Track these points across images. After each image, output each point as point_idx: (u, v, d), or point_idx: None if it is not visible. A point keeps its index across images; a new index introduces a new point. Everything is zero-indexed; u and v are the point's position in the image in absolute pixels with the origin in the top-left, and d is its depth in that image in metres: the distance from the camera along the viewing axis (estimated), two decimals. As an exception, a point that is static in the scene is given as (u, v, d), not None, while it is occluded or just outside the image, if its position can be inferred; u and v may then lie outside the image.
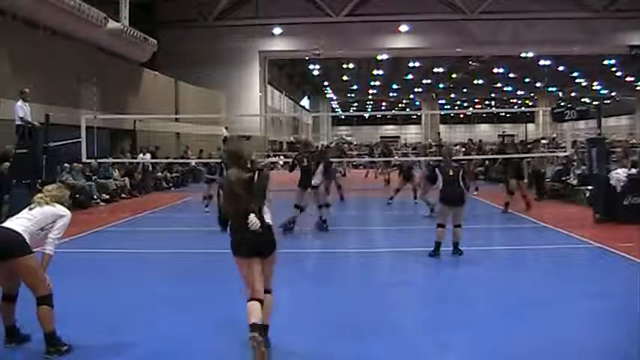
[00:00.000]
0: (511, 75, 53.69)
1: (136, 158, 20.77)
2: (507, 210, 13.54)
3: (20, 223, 4.90)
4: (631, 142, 33.80)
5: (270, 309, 4.92)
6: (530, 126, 56.30)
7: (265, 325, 4.80)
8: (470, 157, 21.23)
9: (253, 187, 4.78)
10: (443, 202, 8.60)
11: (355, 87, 62.84)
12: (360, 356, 5.02)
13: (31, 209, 5.07)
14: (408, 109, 73.62)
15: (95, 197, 16.20)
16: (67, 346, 4.93)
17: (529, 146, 19.94)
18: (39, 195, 5.22)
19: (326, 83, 61.21)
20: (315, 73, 51.30)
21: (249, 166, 4.90)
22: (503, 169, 16.09)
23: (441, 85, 60.79)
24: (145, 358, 5.03)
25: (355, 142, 54.48)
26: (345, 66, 48.38)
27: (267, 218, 4.91)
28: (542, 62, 44.01)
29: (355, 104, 76.34)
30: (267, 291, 4.91)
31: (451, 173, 8.64)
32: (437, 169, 8.74)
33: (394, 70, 50.75)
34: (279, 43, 34.51)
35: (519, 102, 73.08)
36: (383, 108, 73.11)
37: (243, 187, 4.76)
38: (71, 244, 10.21)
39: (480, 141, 29.19)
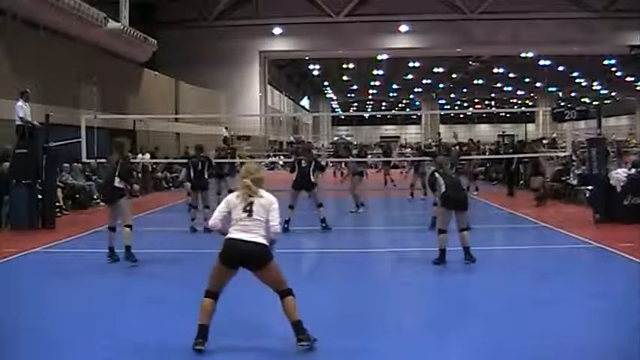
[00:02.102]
0: (511, 75, 53.70)
1: (136, 158, 20.75)
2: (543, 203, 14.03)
3: (257, 233, 4.96)
4: (631, 142, 33.85)
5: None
6: (530, 126, 56.27)
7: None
8: (470, 157, 21.19)
9: None
10: (446, 206, 8.18)
11: (355, 87, 62.84)
12: (360, 356, 5.02)
13: (246, 210, 4.98)
14: (408, 109, 73.64)
15: (95, 197, 16.18)
16: (312, 340, 4.92)
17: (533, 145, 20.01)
18: (247, 184, 5.05)
19: (326, 83, 61.22)
20: (315, 73, 51.30)
21: None
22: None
23: (441, 85, 60.81)
24: (145, 357, 5.03)
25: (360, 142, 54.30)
26: (345, 66, 48.39)
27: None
28: (542, 62, 44.01)
29: (355, 104, 76.34)
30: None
31: (453, 176, 8.48)
32: (437, 173, 8.42)
33: (394, 70, 50.74)
34: (279, 43, 34.51)
35: (519, 102, 73.08)
36: (383, 108, 73.10)
37: None
38: (71, 244, 10.24)
39: (479, 141, 29.13)
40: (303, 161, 11.43)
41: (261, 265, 4.97)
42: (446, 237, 8.09)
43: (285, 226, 10.65)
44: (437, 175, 8.41)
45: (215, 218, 5.14)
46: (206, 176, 11.15)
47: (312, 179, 11.31)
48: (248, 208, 5.01)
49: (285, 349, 5.00)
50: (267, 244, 5.00)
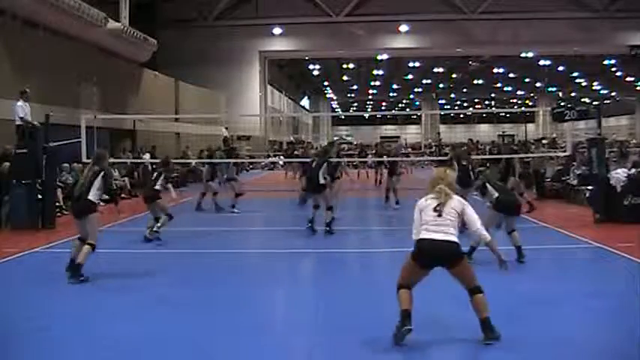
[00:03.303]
0: (511, 75, 53.72)
1: (135, 158, 20.75)
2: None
3: (447, 230, 5.12)
4: (631, 142, 33.82)
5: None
6: (530, 126, 56.27)
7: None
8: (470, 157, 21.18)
9: None
10: (498, 209, 8.26)
11: (355, 87, 62.83)
12: (360, 355, 5.02)
13: (436, 210, 5.17)
14: (408, 109, 73.63)
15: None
16: (498, 334, 5.09)
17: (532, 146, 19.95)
18: (442, 189, 5.26)
19: (326, 83, 61.20)
20: (315, 73, 51.29)
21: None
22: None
23: (441, 85, 60.81)
24: (145, 357, 5.04)
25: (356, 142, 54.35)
26: (345, 66, 48.38)
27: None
28: (542, 62, 44.03)
29: (355, 104, 76.33)
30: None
31: (501, 184, 8.70)
32: (488, 184, 8.52)
33: (394, 70, 50.74)
34: (279, 43, 34.52)
35: (519, 102, 73.08)
36: (383, 108, 73.13)
37: None
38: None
39: (478, 141, 29.15)
40: (314, 162, 11.20)
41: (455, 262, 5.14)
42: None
43: (309, 225, 10.70)
44: (488, 185, 8.54)
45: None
46: (157, 186, 10.37)
47: (321, 181, 10.82)
48: (438, 208, 5.19)
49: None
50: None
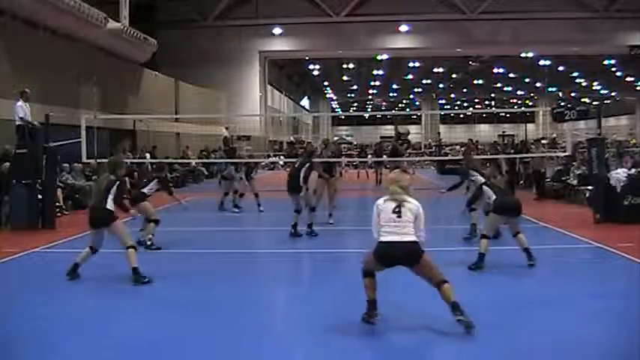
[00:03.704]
0: (511, 75, 53.72)
1: (136, 158, 20.76)
2: None
3: (406, 231, 5.34)
4: (631, 142, 33.80)
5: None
6: (530, 126, 56.28)
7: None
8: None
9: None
10: (498, 212, 8.02)
11: (355, 87, 62.83)
12: (359, 355, 5.02)
13: (396, 212, 5.37)
14: (408, 109, 73.63)
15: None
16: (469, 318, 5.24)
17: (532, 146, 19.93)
18: (399, 192, 5.46)
19: (326, 83, 61.22)
20: (315, 73, 51.29)
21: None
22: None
23: (441, 85, 60.82)
24: (145, 357, 5.04)
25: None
26: (345, 66, 48.38)
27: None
28: (542, 62, 44.02)
29: (355, 104, 76.34)
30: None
31: (502, 186, 8.46)
32: (485, 186, 8.42)
33: (394, 70, 50.74)
34: (279, 43, 34.52)
35: (519, 102, 73.09)
36: (383, 108, 73.12)
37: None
38: (71, 244, 10.22)
39: (477, 141, 29.14)
40: (297, 162, 11.04)
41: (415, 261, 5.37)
42: (488, 243, 7.91)
43: (292, 231, 10.52)
44: (485, 187, 8.42)
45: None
46: (145, 190, 9.95)
47: (301, 182, 10.50)
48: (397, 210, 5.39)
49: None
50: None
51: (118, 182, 7.54)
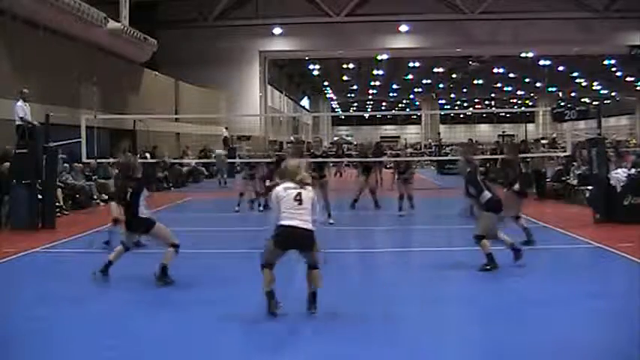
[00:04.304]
0: (511, 75, 53.68)
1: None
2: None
3: (306, 218, 5.78)
4: (631, 142, 33.78)
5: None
6: (530, 126, 56.23)
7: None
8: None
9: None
10: (494, 210, 7.99)
11: (355, 87, 62.82)
12: (358, 355, 5.02)
13: (297, 199, 5.77)
14: (408, 109, 73.62)
15: (95, 197, 16.18)
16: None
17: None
18: (302, 179, 5.92)
19: (326, 83, 61.19)
20: (315, 73, 51.28)
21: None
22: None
23: (441, 85, 60.79)
24: (148, 357, 5.04)
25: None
26: (345, 66, 48.35)
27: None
28: (542, 62, 43.99)
29: (355, 104, 76.31)
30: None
31: (489, 183, 8.39)
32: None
33: (394, 70, 50.74)
34: (279, 43, 34.49)
35: (519, 102, 73.07)
36: (383, 108, 73.11)
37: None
38: (71, 244, 10.24)
39: (477, 141, 29.12)
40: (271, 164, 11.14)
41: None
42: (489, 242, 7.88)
43: None
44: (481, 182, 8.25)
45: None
46: None
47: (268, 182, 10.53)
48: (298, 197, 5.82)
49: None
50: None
51: (140, 185, 7.33)
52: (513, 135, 43.49)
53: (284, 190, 5.89)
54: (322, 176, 12.22)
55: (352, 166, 31.87)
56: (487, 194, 8.01)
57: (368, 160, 14.66)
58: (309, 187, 5.97)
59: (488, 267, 7.74)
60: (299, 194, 5.82)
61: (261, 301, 5.87)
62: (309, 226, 5.79)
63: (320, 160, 12.71)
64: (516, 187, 9.65)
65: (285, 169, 6.17)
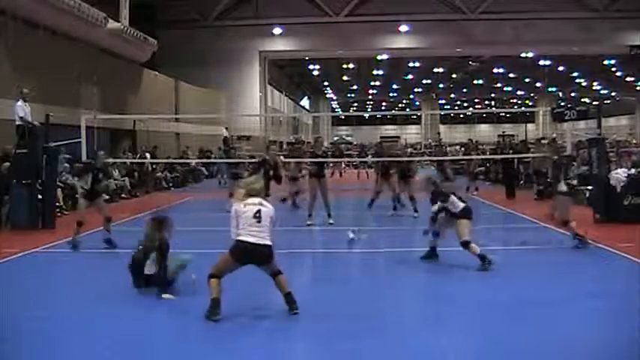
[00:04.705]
0: (511, 75, 53.67)
1: (135, 158, 20.78)
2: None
3: (265, 235, 5.87)
4: (631, 142, 33.75)
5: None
6: (530, 126, 56.24)
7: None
8: (470, 157, 21.25)
9: None
10: (469, 217, 8.10)
11: (355, 87, 62.82)
12: (358, 355, 5.02)
13: (256, 217, 5.84)
14: (408, 109, 73.61)
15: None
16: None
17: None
18: (252, 198, 5.98)
19: (326, 83, 61.18)
20: (315, 73, 51.27)
21: None
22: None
23: (441, 85, 60.79)
24: (145, 357, 5.04)
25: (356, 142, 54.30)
26: (345, 66, 48.35)
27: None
28: (542, 62, 43.99)
29: (355, 104, 76.31)
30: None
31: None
32: (452, 197, 8.29)
33: (394, 70, 50.73)
34: (279, 43, 34.48)
35: (519, 102, 73.06)
36: (383, 108, 73.09)
37: None
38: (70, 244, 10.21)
39: (477, 141, 29.12)
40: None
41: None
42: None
43: None
44: (453, 197, 8.24)
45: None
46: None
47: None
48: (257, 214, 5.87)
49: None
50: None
51: (159, 243, 7.00)
52: (513, 135, 43.47)
53: (244, 205, 5.95)
54: (322, 176, 12.22)
55: (352, 166, 32.01)
56: (460, 204, 8.10)
57: (390, 159, 14.10)
58: (268, 204, 6.05)
59: (485, 266, 7.78)
60: (258, 211, 5.89)
61: (260, 302, 5.89)
62: (267, 242, 5.87)
63: (320, 160, 12.69)
64: (563, 187, 9.51)
65: (245, 185, 6.24)
